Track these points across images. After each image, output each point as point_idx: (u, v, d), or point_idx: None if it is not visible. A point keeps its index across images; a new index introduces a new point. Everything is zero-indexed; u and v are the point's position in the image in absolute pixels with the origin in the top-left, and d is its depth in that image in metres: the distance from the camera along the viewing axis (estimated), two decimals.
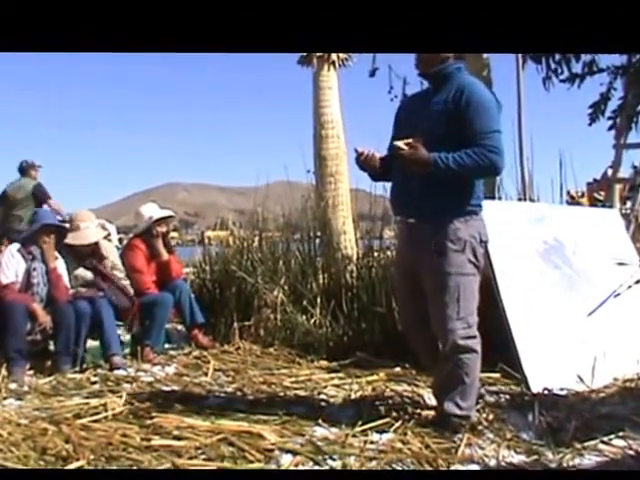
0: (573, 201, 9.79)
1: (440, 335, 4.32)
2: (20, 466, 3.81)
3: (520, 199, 7.25)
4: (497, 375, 5.44)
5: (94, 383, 5.86)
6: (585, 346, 5.49)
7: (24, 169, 11.20)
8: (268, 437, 4.18)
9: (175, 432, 4.31)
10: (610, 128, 9.08)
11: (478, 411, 4.56)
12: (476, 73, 4.89)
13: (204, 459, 3.90)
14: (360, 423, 4.38)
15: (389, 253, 7.46)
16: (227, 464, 3.82)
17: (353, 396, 5.23)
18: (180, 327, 7.87)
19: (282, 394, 5.39)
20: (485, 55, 7.75)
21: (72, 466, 3.80)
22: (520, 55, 7.57)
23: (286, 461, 3.88)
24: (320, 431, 4.37)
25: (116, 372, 6.19)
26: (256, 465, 3.83)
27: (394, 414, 4.63)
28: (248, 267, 7.83)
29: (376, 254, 7.61)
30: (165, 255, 7.47)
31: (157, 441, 4.16)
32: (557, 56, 8.48)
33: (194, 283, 8.45)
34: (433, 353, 4.46)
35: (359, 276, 7.40)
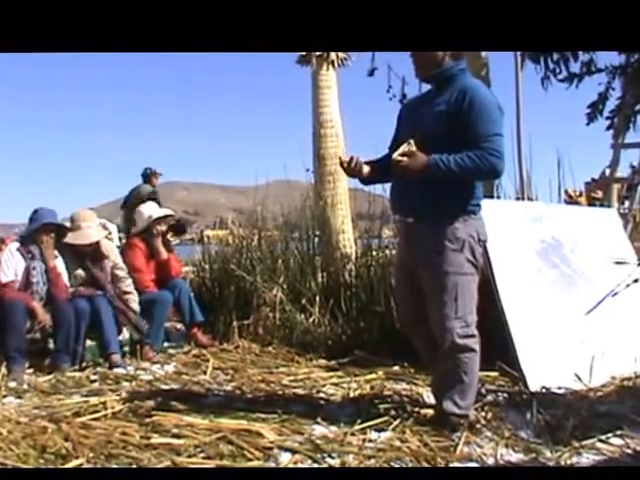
0: (571, 200, 9.79)
1: (439, 334, 4.32)
2: (20, 464, 3.81)
3: (518, 198, 7.26)
4: (495, 374, 5.45)
5: (93, 381, 5.87)
6: (583, 345, 5.51)
7: (147, 176, 11.90)
8: (267, 435, 4.19)
9: (174, 430, 4.33)
10: (608, 128, 9.12)
11: (476, 410, 4.56)
12: (474, 73, 4.90)
13: (203, 457, 3.91)
14: (359, 421, 4.40)
15: (387, 252, 7.48)
16: (226, 462, 3.83)
17: (352, 395, 5.24)
18: (179, 326, 7.93)
19: (281, 392, 5.39)
20: (484, 55, 7.77)
21: (71, 464, 3.81)
22: (519, 55, 7.58)
23: (285, 459, 3.89)
24: (319, 429, 4.38)
25: (115, 370, 6.21)
26: (255, 463, 3.83)
27: (393, 412, 4.65)
28: (247, 266, 7.85)
29: (375, 253, 7.63)
30: (164, 254, 7.51)
31: (156, 439, 4.17)
32: (555, 56, 8.51)
33: (193, 282, 8.49)
34: (433, 352, 4.47)
35: (358, 275, 7.42)
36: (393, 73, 8.81)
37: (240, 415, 4.64)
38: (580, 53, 8.55)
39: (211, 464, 3.81)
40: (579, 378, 5.23)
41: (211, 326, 7.64)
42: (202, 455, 3.94)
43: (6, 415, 4.73)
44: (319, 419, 4.51)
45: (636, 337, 5.80)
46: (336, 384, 5.57)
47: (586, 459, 3.93)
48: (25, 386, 5.71)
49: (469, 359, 4.32)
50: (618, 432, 4.24)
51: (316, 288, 7.48)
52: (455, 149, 4.12)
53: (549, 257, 6.00)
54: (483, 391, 4.98)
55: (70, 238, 6.78)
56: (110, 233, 7.28)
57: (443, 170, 4.09)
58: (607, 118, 9.10)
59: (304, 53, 8.65)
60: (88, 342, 6.62)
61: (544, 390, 5.08)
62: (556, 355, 5.36)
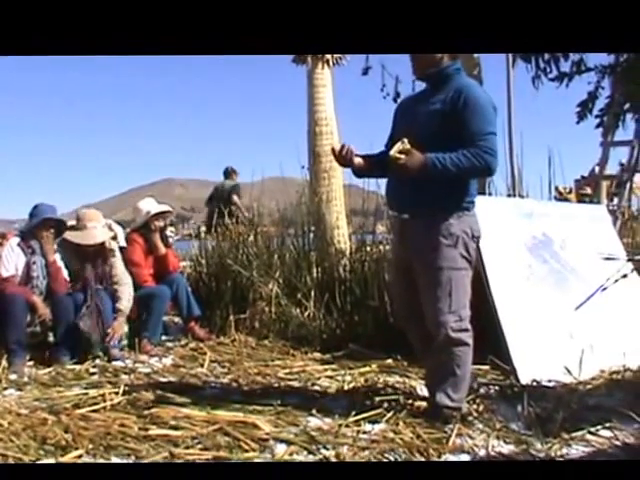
0: (561, 197, 9.84)
1: (433, 328, 4.36)
2: (20, 455, 3.85)
3: (510, 195, 7.28)
4: (487, 367, 5.48)
5: (93, 374, 5.92)
6: (573, 339, 5.54)
7: (228, 173, 13.19)
8: (263, 427, 4.24)
9: (172, 422, 4.37)
10: (598, 126, 9.16)
11: (468, 402, 4.60)
12: (467, 72, 4.93)
13: (200, 448, 3.95)
14: (353, 413, 4.44)
15: (381, 248, 7.51)
16: (223, 453, 3.87)
17: (346, 387, 5.28)
18: (177, 319, 7.97)
19: (277, 385, 5.44)
20: (475, 54, 7.82)
21: (71, 455, 3.85)
22: (510, 54, 7.61)
23: (280, 450, 3.93)
24: (314, 421, 4.42)
25: (114, 363, 6.26)
26: (251, 454, 3.88)
27: (386, 405, 4.68)
28: (244, 261, 7.90)
29: (369, 248, 7.65)
30: (162, 249, 7.54)
31: (154, 431, 4.21)
32: (546, 55, 8.54)
33: (191, 276, 8.52)
34: (427, 345, 4.50)
35: (352, 270, 7.46)
36: (387, 72, 8.83)
37: (236, 407, 4.68)
38: (570, 53, 8.59)
39: (208, 455, 3.84)
40: (569, 371, 5.26)
41: (208, 320, 7.69)
42: (199, 446, 3.97)
43: (7, 407, 4.79)
44: (314, 411, 4.55)
45: (625, 332, 5.85)
46: (331, 377, 5.62)
47: (575, 451, 3.97)
48: (25, 378, 5.76)
49: (462, 353, 4.37)
50: (607, 424, 4.28)
51: (311, 283, 7.53)
52: (449, 147, 4.15)
53: (539, 253, 6.04)
54: (475, 385, 5.00)
55: (75, 237, 6.79)
56: (116, 236, 7.28)
57: (440, 168, 4.13)
58: (596, 117, 9.13)
59: None
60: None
61: (535, 383, 5.11)
62: (546, 349, 5.39)
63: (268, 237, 8.48)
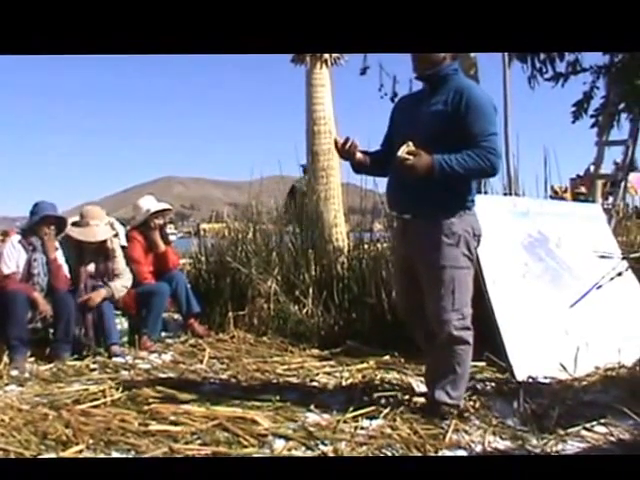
0: (556, 196, 9.86)
1: (436, 326, 4.40)
2: (22, 450, 3.88)
3: (506, 194, 7.31)
4: (483, 363, 5.52)
5: (93, 370, 5.96)
6: (568, 336, 5.57)
7: (305, 170, 12.80)
8: (262, 423, 4.27)
9: (172, 418, 4.41)
10: (593, 126, 9.17)
11: (465, 399, 4.63)
12: (463, 72, 4.96)
13: (200, 444, 3.98)
14: (351, 409, 4.48)
15: (379, 245, 7.55)
16: (222, 449, 3.90)
17: (344, 383, 5.32)
18: (176, 316, 7.99)
19: (275, 381, 5.47)
20: (472, 54, 7.85)
21: (72, 450, 3.88)
22: (506, 54, 7.63)
23: (279, 446, 3.96)
24: (312, 417, 4.45)
25: (114, 359, 6.30)
26: (250, 450, 3.91)
27: (383, 401, 4.73)
28: (242, 258, 7.91)
29: (366, 246, 7.69)
30: (162, 246, 7.59)
31: (154, 426, 4.25)
32: (542, 55, 8.56)
33: (190, 274, 8.56)
34: (430, 341, 4.55)
35: (350, 267, 7.51)
36: (384, 72, 8.86)
37: (235, 403, 4.73)
38: (566, 53, 8.60)
39: (207, 450, 3.87)
40: (564, 368, 5.29)
41: (207, 317, 7.71)
42: (198, 442, 4.01)
43: (8, 402, 4.82)
44: (312, 407, 4.59)
45: (619, 329, 5.88)
46: (329, 373, 5.66)
47: (571, 446, 4.01)
48: (27, 374, 5.79)
49: (463, 351, 4.41)
50: (602, 420, 4.31)
51: (309, 280, 7.55)
52: (451, 148, 4.18)
53: (535, 251, 6.06)
54: (472, 384, 5.02)
55: (77, 234, 6.85)
56: (117, 234, 7.32)
57: (446, 169, 4.15)
58: (592, 116, 9.11)
59: None
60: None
61: (530, 380, 5.13)
62: (542, 346, 5.41)
63: (267, 235, 8.49)
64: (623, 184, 9.03)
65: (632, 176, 10.69)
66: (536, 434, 4.16)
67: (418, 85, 4.74)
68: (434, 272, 4.37)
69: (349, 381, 5.37)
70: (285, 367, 5.87)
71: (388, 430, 4.20)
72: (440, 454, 3.90)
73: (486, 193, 6.81)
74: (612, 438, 4.14)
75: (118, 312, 6.97)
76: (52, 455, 3.85)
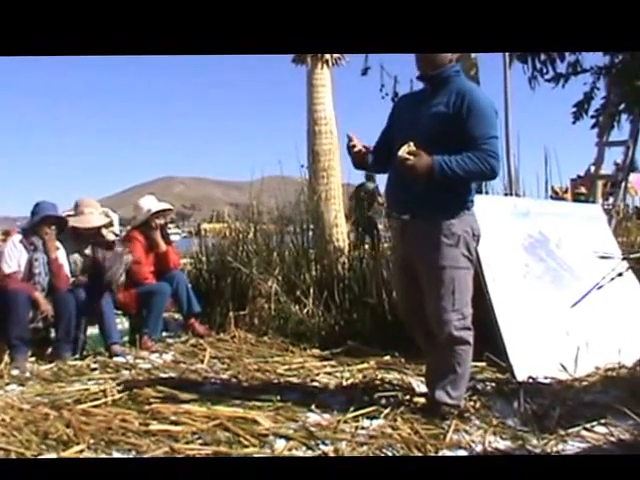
0: (557, 196, 9.87)
1: (436, 326, 4.40)
2: (22, 450, 3.88)
3: (506, 194, 7.32)
4: (483, 364, 5.53)
5: (94, 370, 5.96)
6: (568, 336, 5.57)
7: (369, 176, 13.56)
8: (262, 422, 4.27)
9: (172, 417, 4.40)
10: (593, 126, 9.18)
11: (465, 399, 4.63)
12: (464, 73, 4.95)
13: (200, 444, 3.98)
14: (351, 409, 4.48)
15: (379, 245, 7.56)
16: (223, 449, 3.90)
17: (344, 383, 5.32)
18: (177, 316, 8.00)
19: (276, 381, 5.47)
20: (473, 54, 7.86)
21: (72, 450, 3.88)
22: (507, 55, 7.63)
23: (280, 446, 3.96)
24: (313, 417, 4.45)
25: (115, 359, 6.30)
26: (251, 450, 3.90)
27: (384, 401, 4.73)
28: (243, 258, 7.92)
29: (367, 246, 7.70)
30: (163, 246, 7.59)
31: (155, 426, 4.25)
32: (542, 56, 8.57)
33: (191, 273, 8.55)
34: (430, 341, 4.55)
35: (350, 268, 7.53)
36: (385, 73, 8.87)
37: (236, 403, 4.73)
38: (566, 54, 8.61)
39: (208, 450, 3.87)
40: (565, 368, 5.30)
41: (208, 316, 7.71)
42: (199, 442, 4.01)
43: (9, 402, 4.82)
44: (313, 407, 4.59)
45: (620, 329, 5.88)
46: (329, 373, 5.65)
47: (571, 447, 4.00)
48: (27, 374, 5.80)
49: (463, 351, 4.42)
50: (602, 421, 4.31)
51: (310, 280, 7.57)
52: (452, 150, 4.19)
53: (536, 251, 6.06)
54: (472, 384, 5.01)
55: (73, 222, 6.93)
56: (112, 221, 7.38)
57: (447, 170, 4.16)
58: (592, 117, 9.13)
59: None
60: (91, 330, 6.72)
61: (531, 380, 5.13)
62: (542, 346, 5.41)
63: (267, 235, 8.50)
64: (623, 185, 9.05)
65: (632, 177, 10.72)
66: (536, 434, 4.16)
67: (419, 85, 4.74)
68: (434, 272, 4.37)
69: (350, 381, 5.37)
70: (286, 367, 5.87)
71: (389, 430, 4.20)
72: (440, 454, 3.89)
73: (487, 193, 6.81)
74: (612, 438, 4.13)
75: (119, 312, 6.99)
76: (53, 455, 3.85)
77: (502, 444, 4.07)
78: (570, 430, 4.19)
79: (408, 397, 4.87)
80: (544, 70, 8.75)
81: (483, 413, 4.55)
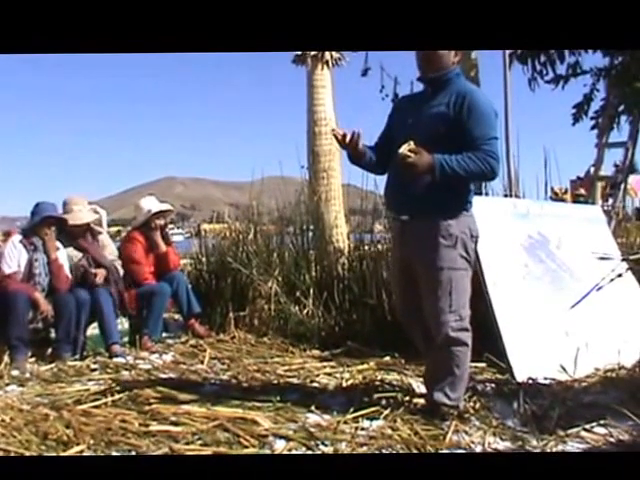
0: (557, 197, 9.87)
1: (433, 327, 4.40)
2: (22, 450, 3.88)
3: (506, 195, 7.31)
4: (483, 364, 5.53)
5: (94, 370, 5.97)
6: (568, 337, 5.58)
7: None
8: (262, 423, 4.27)
9: (172, 418, 4.40)
10: (593, 128, 9.20)
11: (465, 400, 4.63)
12: (464, 73, 4.96)
13: (200, 444, 3.97)
14: (351, 410, 4.47)
15: (379, 246, 7.55)
16: (223, 449, 3.90)
17: (344, 384, 5.31)
18: (177, 317, 7.99)
19: (276, 382, 5.47)
20: (473, 55, 7.85)
21: (72, 450, 3.88)
22: (507, 56, 7.63)
23: (280, 446, 3.96)
24: (313, 418, 4.45)
25: (115, 360, 6.30)
26: (251, 450, 3.90)
27: (384, 402, 4.72)
28: (243, 259, 7.92)
29: (367, 247, 7.69)
30: (163, 247, 7.59)
31: (155, 426, 4.25)
32: (542, 58, 8.58)
33: (191, 274, 8.54)
34: (428, 342, 4.55)
35: (350, 268, 7.51)
36: (386, 73, 8.87)
37: (236, 403, 4.72)
38: (566, 55, 8.63)
39: (208, 451, 3.87)
40: (564, 369, 5.30)
41: (208, 317, 7.71)
42: (199, 442, 4.00)
43: (9, 403, 4.82)
44: (313, 408, 4.58)
45: (619, 330, 5.88)
46: (329, 374, 5.65)
47: (571, 447, 4.00)
48: (27, 374, 5.80)
49: (461, 352, 4.41)
50: (602, 422, 4.30)
51: (310, 281, 7.57)
52: (452, 150, 4.19)
53: (535, 252, 6.07)
54: (472, 384, 5.01)
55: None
56: (100, 217, 7.44)
57: (447, 169, 4.16)
58: (592, 118, 9.15)
59: (299, 53, 8.71)
60: (91, 331, 6.75)
61: (530, 381, 5.13)
62: (542, 347, 5.42)
63: (267, 235, 8.50)
64: (623, 186, 9.06)
65: (632, 178, 10.74)
66: (536, 435, 4.15)
67: (419, 86, 4.74)
68: (432, 273, 4.37)
69: (349, 382, 5.36)
70: (286, 368, 5.87)
71: (388, 431, 4.19)
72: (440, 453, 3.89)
73: (486, 194, 6.81)
74: (612, 439, 4.13)
75: (119, 312, 6.96)
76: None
77: (502, 445, 4.06)
78: (570, 431, 4.19)
79: (408, 398, 4.86)
80: (544, 72, 8.77)
81: (483, 414, 4.54)
